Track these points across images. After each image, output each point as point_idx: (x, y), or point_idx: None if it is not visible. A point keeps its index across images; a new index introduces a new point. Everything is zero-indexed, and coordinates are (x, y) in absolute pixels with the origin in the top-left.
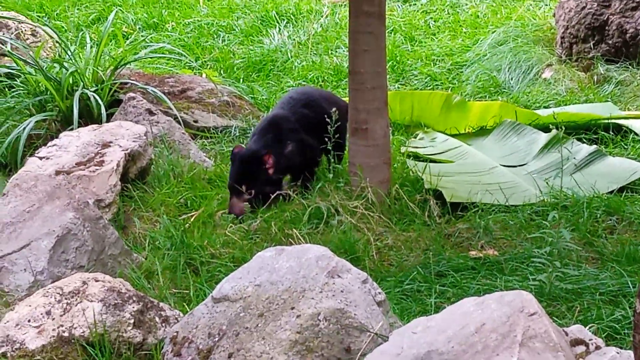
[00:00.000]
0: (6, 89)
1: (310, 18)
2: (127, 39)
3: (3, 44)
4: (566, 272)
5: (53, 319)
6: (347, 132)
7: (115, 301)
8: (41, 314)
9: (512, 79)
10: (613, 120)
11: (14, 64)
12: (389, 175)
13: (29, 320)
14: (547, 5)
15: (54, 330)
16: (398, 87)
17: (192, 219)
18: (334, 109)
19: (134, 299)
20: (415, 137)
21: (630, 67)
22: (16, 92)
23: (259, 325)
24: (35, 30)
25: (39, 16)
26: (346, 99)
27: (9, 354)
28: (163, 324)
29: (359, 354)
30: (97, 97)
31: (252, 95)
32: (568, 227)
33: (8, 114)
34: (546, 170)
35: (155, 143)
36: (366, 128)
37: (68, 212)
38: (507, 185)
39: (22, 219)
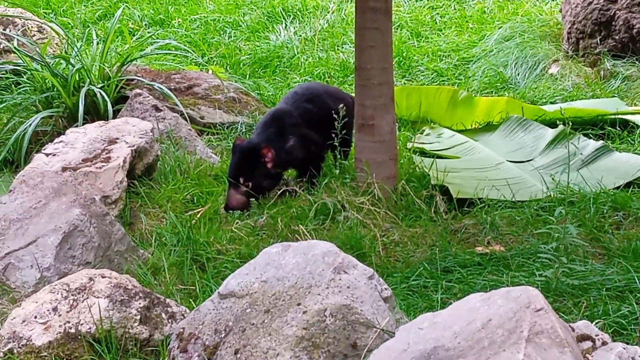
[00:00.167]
0: (13, 86)
1: (316, 14)
2: (134, 35)
3: (10, 41)
4: (573, 268)
5: (59, 315)
6: (353, 128)
7: (122, 297)
8: (48, 310)
9: (518, 74)
10: (620, 116)
11: (21, 61)
12: (395, 171)
13: (35, 317)
14: (553, 0)
15: (60, 326)
16: (404, 83)
17: (198, 215)
18: (341, 105)
19: (141, 295)
20: (421, 133)
21: (637, 62)
22: (23, 89)
23: (265, 321)
24: (41, 26)
25: (45, 13)
26: (353, 95)
27: (15, 350)
28: (169, 320)
29: (365, 349)
30: (104, 94)
31: (258, 92)
32: (574, 222)
33: (14, 111)
34: (553, 165)
35: (162, 139)
36: (372, 124)
37: (74, 209)
38: (514, 180)
39: (29, 215)
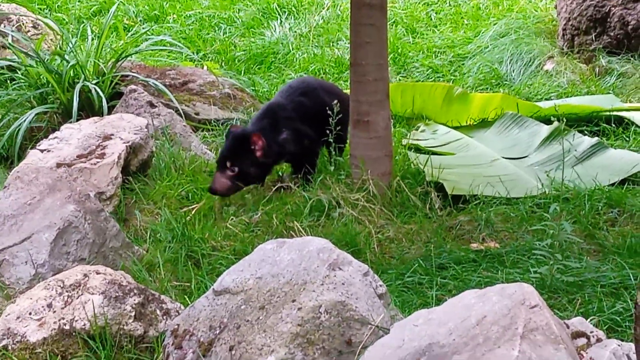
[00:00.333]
0: (7, 82)
1: (311, 10)
2: (129, 31)
3: (4, 36)
4: (567, 265)
5: (54, 311)
6: (348, 124)
7: (117, 294)
8: (42, 306)
9: (513, 71)
10: (615, 113)
11: (15, 57)
12: (390, 167)
13: (30, 313)
14: None
15: (55, 323)
16: (399, 79)
17: (193, 212)
18: (335, 101)
19: (135, 291)
20: (416, 130)
21: (632, 59)
22: (17, 85)
23: (260, 317)
24: (36, 22)
25: (40, 8)
26: (348, 92)
27: (10, 347)
28: (164, 317)
29: (360, 346)
30: (99, 90)
31: (253, 88)
32: (569, 219)
33: (9, 107)
34: (547, 162)
35: (157, 135)
36: (368, 120)
37: (69, 205)
38: (509, 177)
39: (23, 211)
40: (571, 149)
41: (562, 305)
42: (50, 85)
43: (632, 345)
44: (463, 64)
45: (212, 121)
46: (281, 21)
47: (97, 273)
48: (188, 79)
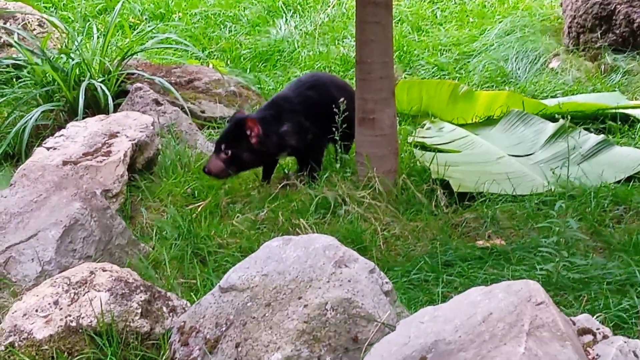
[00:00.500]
0: (13, 80)
1: (317, 8)
2: (134, 29)
3: (10, 35)
4: (573, 262)
5: (60, 308)
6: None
7: (123, 291)
8: (49, 303)
9: (519, 68)
10: (620, 110)
11: (21, 55)
12: (396, 165)
13: (36, 310)
14: None
15: (61, 320)
16: (405, 77)
17: (199, 209)
18: (342, 99)
19: (142, 288)
20: (422, 127)
21: (637, 56)
22: (23, 83)
23: (266, 315)
24: (42, 20)
25: (45, 7)
26: None
27: (16, 344)
28: (170, 314)
29: (366, 343)
30: (104, 88)
31: (259, 86)
32: (575, 216)
33: (15, 105)
34: (553, 159)
35: (162, 133)
36: (373, 118)
37: (75, 202)
38: (515, 175)
39: (30, 209)
40: (577, 146)
41: (568, 302)
42: (56, 83)
43: (639, 341)
44: (469, 62)
45: (218, 119)
46: (287, 19)
47: (104, 270)
48: (194, 77)
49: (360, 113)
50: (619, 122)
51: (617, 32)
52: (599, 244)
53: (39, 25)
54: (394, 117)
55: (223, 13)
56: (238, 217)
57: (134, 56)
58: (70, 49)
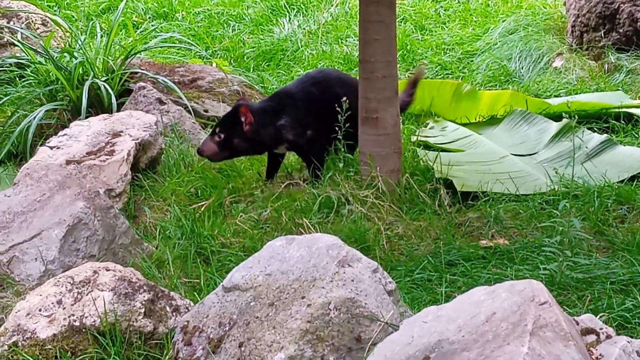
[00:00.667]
0: (17, 79)
1: (320, 7)
2: (138, 28)
3: (13, 34)
4: (577, 261)
5: (64, 308)
6: None
7: (126, 290)
8: (52, 303)
9: (522, 67)
10: (624, 109)
11: (25, 54)
12: (399, 164)
13: (39, 310)
14: None
15: (64, 319)
16: (408, 76)
17: (202, 209)
18: (344, 98)
19: (145, 288)
20: (425, 126)
21: None
22: (26, 82)
23: (270, 314)
24: (45, 19)
25: (49, 6)
26: None
27: (20, 343)
28: (174, 314)
29: (370, 343)
30: (108, 87)
31: (262, 85)
32: (579, 216)
33: (19, 104)
34: (557, 159)
35: (166, 132)
36: (376, 117)
37: (79, 202)
38: (518, 174)
39: (33, 208)
40: (581, 145)
41: (572, 302)
42: (59, 83)
43: None
44: (472, 61)
45: None
46: (290, 18)
47: (107, 270)
48: (197, 76)
49: (363, 112)
50: (623, 122)
51: (621, 31)
52: (602, 243)
53: (43, 24)
54: (397, 117)
55: (226, 12)
56: (241, 216)
57: (137, 55)
58: (74, 48)
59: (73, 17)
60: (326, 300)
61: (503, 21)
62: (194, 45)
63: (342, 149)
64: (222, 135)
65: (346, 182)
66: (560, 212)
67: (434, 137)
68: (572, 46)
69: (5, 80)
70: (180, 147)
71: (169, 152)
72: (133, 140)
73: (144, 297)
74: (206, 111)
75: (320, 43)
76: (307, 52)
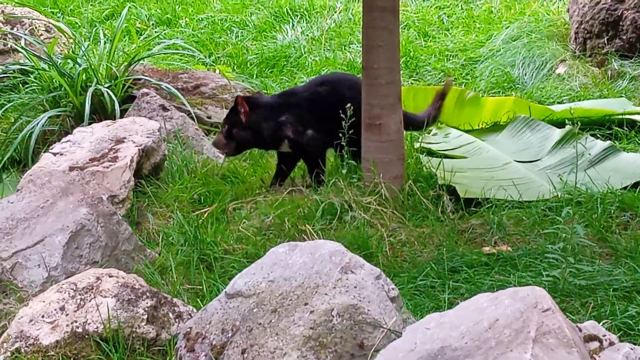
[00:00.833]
0: (20, 85)
1: (323, 14)
2: (141, 35)
3: (17, 40)
4: (580, 268)
5: (67, 314)
6: None
7: (129, 297)
8: (55, 309)
9: (525, 74)
10: (627, 116)
11: (28, 60)
12: (402, 171)
13: (42, 316)
14: (560, 0)
15: (67, 325)
16: (411, 83)
17: (205, 215)
18: (348, 105)
19: (148, 294)
20: (428, 133)
21: None
22: (30, 88)
23: (272, 321)
24: (49, 26)
25: (52, 12)
26: None
27: (22, 350)
28: (176, 320)
29: (373, 349)
30: (111, 93)
31: (265, 91)
32: (582, 222)
33: (22, 110)
34: (560, 165)
35: (169, 139)
36: (380, 123)
37: (82, 208)
38: (521, 181)
39: (36, 214)
40: (584, 152)
41: (575, 308)
42: (62, 89)
43: None
44: (475, 68)
45: None
46: (293, 25)
47: (110, 276)
48: (200, 83)
49: (366, 119)
50: (626, 128)
51: (624, 37)
52: (605, 250)
53: (46, 30)
54: (400, 123)
55: (230, 18)
56: (244, 223)
57: (141, 62)
58: (77, 55)
59: (76, 23)
60: (329, 306)
61: (506, 28)
62: (197, 52)
63: (347, 155)
64: (226, 127)
65: (349, 188)
66: (563, 218)
67: (437, 143)
68: (575, 53)
69: (8, 87)
70: (184, 153)
71: (172, 159)
72: (136, 146)
73: (147, 303)
74: (209, 117)
75: (324, 49)
76: (311, 58)
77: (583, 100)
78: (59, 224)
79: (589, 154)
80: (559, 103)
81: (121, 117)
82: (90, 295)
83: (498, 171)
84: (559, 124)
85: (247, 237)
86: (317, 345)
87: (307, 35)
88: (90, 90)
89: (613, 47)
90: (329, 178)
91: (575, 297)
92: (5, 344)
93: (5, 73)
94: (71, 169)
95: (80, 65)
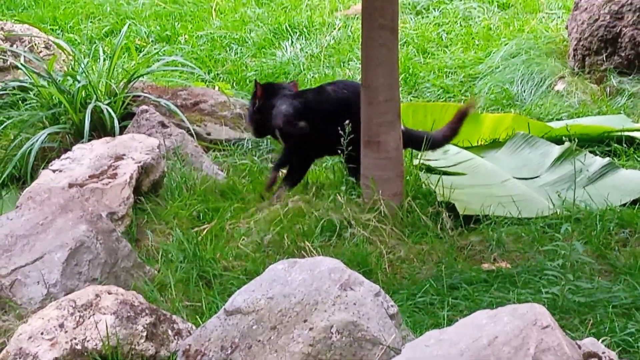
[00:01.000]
0: (19, 102)
1: (322, 31)
2: (140, 51)
3: (16, 57)
4: (579, 285)
5: (66, 331)
6: None
7: (128, 314)
8: (54, 326)
9: (524, 91)
10: (626, 133)
11: (27, 77)
12: (401, 188)
13: (42, 333)
14: (559, 17)
15: (67, 343)
16: (410, 100)
17: (204, 232)
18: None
19: (147, 311)
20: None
21: None
22: (29, 105)
23: (272, 338)
24: (48, 43)
25: (52, 29)
26: None
27: None
28: (176, 337)
29: None
30: (110, 110)
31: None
32: (581, 239)
33: (21, 127)
34: (559, 182)
35: (168, 156)
36: (379, 141)
37: (81, 225)
38: (520, 197)
39: (36, 231)
40: (582, 169)
41: (574, 325)
42: (62, 106)
43: None
44: (474, 84)
45: (224, 141)
46: (292, 42)
47: (109, 293)
48: (199, 99)
49: (365, 136)
50: (625, 145)
51: (623, 54)
52: (604, 267)
53: (46, 47)
54: (399, 140)
55: (229, 35)
56: (243, 239)
57: (140, 79)
58: (77, 71)
59: (76, 40)
60: (328, 323)
61: (505, 45)
62: (197, 69)
63: (346, 172)
64: (249, 109)
65: (348, 205)
66: (562, 235)
67: (436, 160)
68: (574, 70)
69: (8, 104)
70: (183, 170)
71: (171, 175)
72: (135, 163)
73: (146, 320)
74: (208, 134)
75: (323, 66)
76: (310, 75)
77: (582, 117)
78: (58, 240)
79: (588, 171)
80: (557, 120)
81: (120, 133)
82: (89, 312)
83: (497, 188)
84: (558, 141)
85: (246, 254)
86: None
87: (306, 52)
88: (90, 107)
89: (612, 64)
90: (327, 194)
91: (574, 314)
92: None
93: (5, 90)
94: (70, 185)
95: (79, 82)
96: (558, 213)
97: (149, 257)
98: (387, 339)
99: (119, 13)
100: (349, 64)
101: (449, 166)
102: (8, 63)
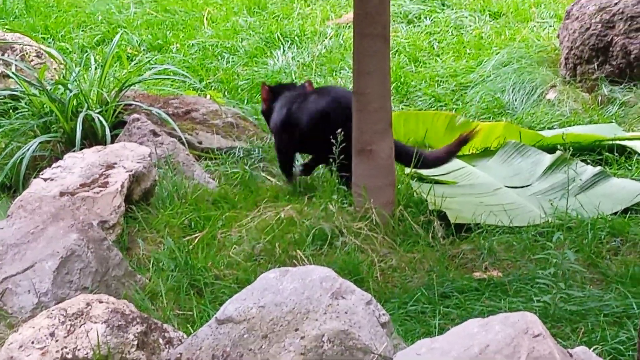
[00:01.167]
0: (10, 111)
1: (314, 39)
2: (132, 60)
3: (8, 66)
4: (570, 294)
5: (57, 340)
6: None
7: (119, 322)
8: (45, 335)
9: (516, 99)
10: (617, 142)
11: (19, 86)
12: (393, 196)
13: (32, 342)
14: (551, 26)
15: (57, 352)
16: (402, 108)
17: (196, 241)
18: (339, 130)
19: (138, 320)
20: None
21: (634, 88)
22: (20, 114)
23: (263, 346)
24: (39, 51)
25: (43, 38)
26: None
27: None
28: (167, 346)
29: None
30: (102, 119)
31: (256, 117)
32: (572, 248)
33: (12, 136)
34: (551, 191)
35: (160, 164)
36: (370, 149)
37: (72, 234)
38: (512, 206)
39: (26, 240)
40: (574, 177)
41: (565, 334)
42: (53, 115)
43: None
44: (465, 93)
45: (215, 150)
46: (284, 50)
47: (100, 302)
48: (191, 108)
49: (357, 144)
50: (616, 154)
51: (614, 63)
52: (596, 275)
53: (37, 56)
54: (391, 149)
55: (220, 44)
56: (235, 248)
57: (132, 87)
58: (68, 80)
59: (67, 49)
60: (320, 332)
61: (496, 54)
62: (188, 77)
63: (338, 181)
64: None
65: (340, 214)
66: (554, 244)
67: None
68: (565, 78)
69: None
70: (174, 178)
71: (163, 184)
72: (127, 172)
73: (137, 329)
74: (200, 143)
75: (315, 75)
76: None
77: (573, 125)
78: (49, 249)
79: (580, 180)
80: (549, 128)
81: (112, 142)
82: (80, 321)
83: (489, 196)
84: (550, 150)
85: (237, 262)
86: None
87: (298, 60)
88: (81, 115)
89: (603, 72)
90: (319, 202)
91: (566, 322)
92: None
93: None
94: (62, 194)
95: (71, 91)
96: (549, 222)
97: (140, 265)
98: (379, 348)
99: (110, 22)
100: (340, 73)
101: (440, 175)
102: None
